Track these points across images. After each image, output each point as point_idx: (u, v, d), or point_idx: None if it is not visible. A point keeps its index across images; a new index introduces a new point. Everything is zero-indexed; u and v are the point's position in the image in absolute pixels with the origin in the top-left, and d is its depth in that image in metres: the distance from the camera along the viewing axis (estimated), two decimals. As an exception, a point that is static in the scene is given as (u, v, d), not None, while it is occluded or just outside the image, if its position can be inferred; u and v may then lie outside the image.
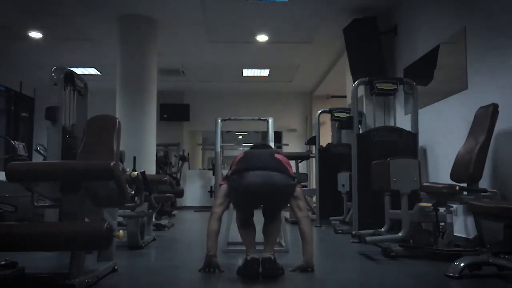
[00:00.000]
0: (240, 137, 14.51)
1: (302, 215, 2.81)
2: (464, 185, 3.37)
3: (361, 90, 5.86)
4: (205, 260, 2.81)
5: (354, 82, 4.96)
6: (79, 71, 8.82)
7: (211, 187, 10.18)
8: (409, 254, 3.35)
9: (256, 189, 2.66)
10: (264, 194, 2.70)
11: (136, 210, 3.81)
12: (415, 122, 4.68)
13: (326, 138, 8.40)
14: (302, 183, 6.86)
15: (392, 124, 5.59)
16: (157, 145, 6.97)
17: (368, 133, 4.83)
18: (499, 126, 3.45)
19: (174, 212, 7.86)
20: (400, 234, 3.46)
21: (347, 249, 3.88)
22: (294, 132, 11.24)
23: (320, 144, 6.30)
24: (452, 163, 3.66)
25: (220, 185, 2.90)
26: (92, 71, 9.13)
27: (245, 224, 2.94)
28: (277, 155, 2.87)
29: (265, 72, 9.47)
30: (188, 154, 10.28)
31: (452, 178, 3.60)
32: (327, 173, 6.05)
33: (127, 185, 3.00)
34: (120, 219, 4.07)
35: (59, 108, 3.78)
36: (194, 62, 8.71)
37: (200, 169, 12.26)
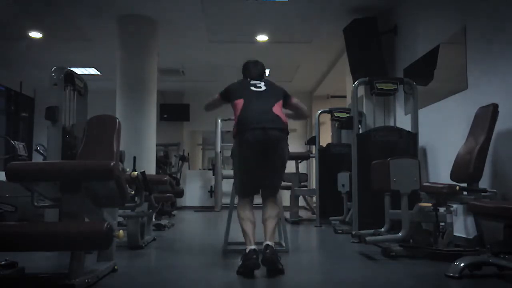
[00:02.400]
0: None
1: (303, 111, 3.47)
2: (464, 185, 3.37)
3: (361, 90, 5.86)
4: None
5: (354, 82, 4.95)
6: (79, 71, 8.82)
7: (211, 187, 10.18)
8: (409, 254, 3.35)
9: (257, 139, 2.94)
10: (264, 144, 2.95)
11: (136, 210, 3.81)
12: (415, 122, 4.68)
13: (326, 138, 8.40)
14: (302, 183, 6.88)
15: (392, 124, 5.58)
16: (157, 145, 6.96)
17: (368, 133, 4.83)
18: (499, 126, 3.45)
19: (174, 212, 7.86)
20: (400, 234, 3.46)
21: (347, 249, 3.88)
22: (294, 132, 11.24)
23: (320, 144, 6.30)
24: (452, 163, 3.66)
25: (217, 95, 3.38)
26: (92, 71, 9.13)
27: (246, 207, 3.05)
28: (274, 109, 3.07)
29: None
30: (188, 154, 10.29)
31: (452, 178, 3.60)
32: (327, 173, 6.05)
33: (127, 185, 3.00)
34: (120, 219, 4.07)
35: (59, 108, 3.78)
36: (194, 62, 8.70)
37: (200, 169, 12.26)
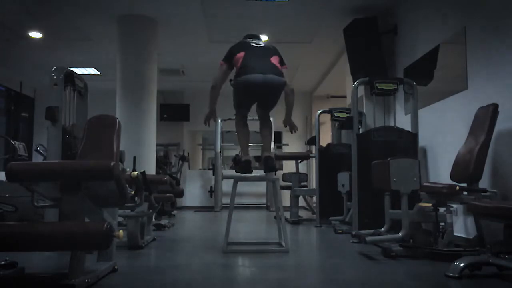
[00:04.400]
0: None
1: (289, 88, 3.83)
2: (464, 185, 3.37)
3: (361, 90, 5.86)
4: (208, 113, 3.82)
5: (354, 82, 4.95)
6: (79, 71, 8.81)
7: (211, 187, 10.18)
8: (409, 254, 3.35)
9: (256, 86, 3.49)
10: (262, 88, 3.51)
11: (136, 210, 3.81)
12: (415, 122, 4.68)
13: (326, 138, 8.39)
14: (302, 183, 6.87)
15: (392, 124, 5.58)
16: (157, 145, 6.96)
17: (368, 133, 4.83)
18: (499, 126, 3.45)
19: (174, 212, 7.86)
20: (400, 234, 3.46)
21: (347, 249, 3.88)
22: (294, 132, 11.23)
23: (320, 144, 6.29)
24: (452, 163, 3.66)
25: (220, 64, 3.78)
26: (92, 71, 9.13)
27: (243, 123, 3.77)
28: (272, 59, 3.61)
29: (265, 72, 9.46)
30: (188, 154, 10.28)
31: (452, 178, 3.60)
32: (327, 173, 6.04)
33: (127, 185, 3.00)
34: (120, 219, 4.07)
35: (59, 108, 3.78)
36: (194, 62, 8.70)
37: (200, 169, 12.26)
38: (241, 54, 3.63)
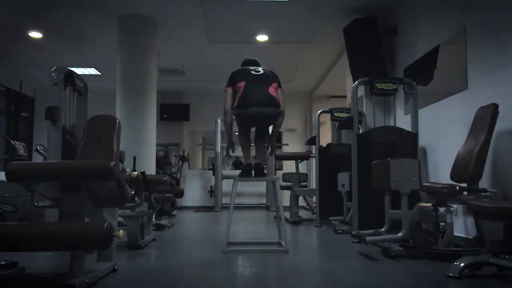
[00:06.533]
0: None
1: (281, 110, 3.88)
2: (464, 185, 3.37)
3: (361, 90, 5.86)
4: (227, 143, 4.09)
5: (354, 82, 4.95)
6: (79, 71, 8.82)
7: (211, 187, 10.18)
8: (409, 254, 3.35)
9: (254, 117, 3.77)
10: (259, 120, 3.83)
11: (136, 210, 3.81)
12: (415, 122, 4.68)
13: (326, 138, 8.40)
14: (302, 183, 6.88)
15: (392, 124, 5.59)
16: (157, 145, 6.96)
17: (368, 133, 4.83)
18: (499, 126, 3.45)
19: (174, 212, 7.86)
20: (400, 234, 3.46)
21: (347, 249, 3.88)
22: (294, 132, 11.25)
23: (320, 144, 6.30)
24: (452, 163, 3.67)
25: (225, 90, 3.91)
26: (92, 71, 9.13)
27: (245, 137, 3.99)
28: (270, 90, 3.77)
29: (265, 72, 9.45)
30: (188, 154, 10.28)
31: (452, 178, 3.60)
32: (327, 173, 6.05)
33: (127, 185, 3.00)
34: (120, 219, 4.07)
35: (59, 108, 3.78)
36: (194, 62, 8.71)
37: (200, 169, 12.26)
38: (242, 84, 3.80)
